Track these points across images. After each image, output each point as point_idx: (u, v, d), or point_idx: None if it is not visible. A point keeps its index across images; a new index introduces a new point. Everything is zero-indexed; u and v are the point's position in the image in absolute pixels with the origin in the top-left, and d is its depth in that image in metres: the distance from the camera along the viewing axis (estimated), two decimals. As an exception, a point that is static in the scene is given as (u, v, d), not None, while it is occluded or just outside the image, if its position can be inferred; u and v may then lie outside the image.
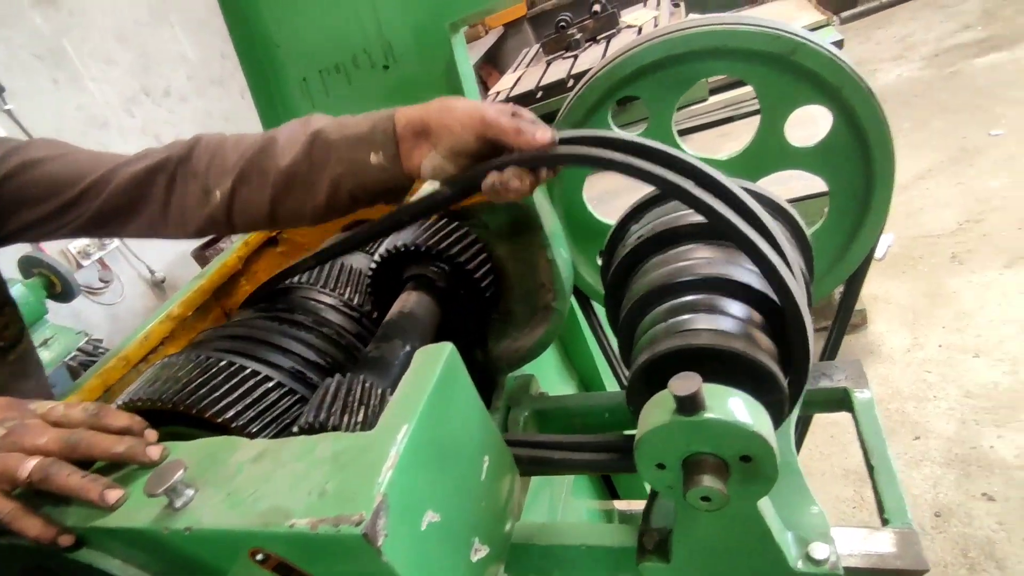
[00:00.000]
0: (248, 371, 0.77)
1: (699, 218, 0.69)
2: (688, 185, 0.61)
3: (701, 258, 0.66)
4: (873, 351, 2.45)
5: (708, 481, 0.51)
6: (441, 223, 0.94)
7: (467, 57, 1.18)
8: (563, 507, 1.37)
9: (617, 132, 0.68)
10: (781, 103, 0.84)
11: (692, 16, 3.36)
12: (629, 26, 3.26)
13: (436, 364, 0.55)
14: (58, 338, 2.82)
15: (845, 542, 0.64)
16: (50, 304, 2.78)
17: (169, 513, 0.50)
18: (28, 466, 0.54)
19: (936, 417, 2.09)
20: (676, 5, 3.78)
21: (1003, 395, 2.06)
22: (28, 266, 2.73)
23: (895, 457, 2.03)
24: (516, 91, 2.91)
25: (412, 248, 0.91)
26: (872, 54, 4.96)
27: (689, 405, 0.51)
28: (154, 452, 0.57)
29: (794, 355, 0.62)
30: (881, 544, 0.63)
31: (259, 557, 0.48)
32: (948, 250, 2.75)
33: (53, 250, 3.27)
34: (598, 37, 3.27)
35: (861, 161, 0.84)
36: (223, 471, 0.53)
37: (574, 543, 0.70)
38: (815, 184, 1.06)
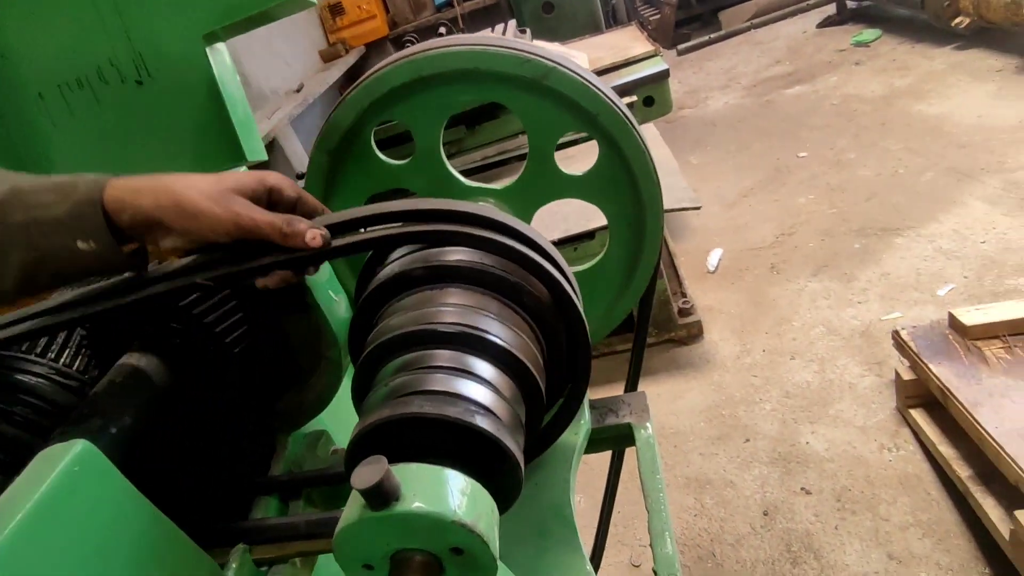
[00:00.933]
0: None
1: (442, 260, 0.62)
2: (468, 229, 0.60)
3: (439, 306, 0.58)
4: (709, 360, 2.60)
5: (407, 587, 0.42)
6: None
7: (233, 73, 1.03)
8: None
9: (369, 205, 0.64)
10: (546, 130, 0.80)
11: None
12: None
13: (42, 477, 0.41)
14: None
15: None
16: None
17: None
18: None
19: (762, 419, 2.24)
20: (522, 31, 3.87)
21: (814, 393, 2.26)
22: None
23: (730, 460, 2.15)
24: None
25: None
26: (704, 83, 5.45)
27: (377, 498, 0.42)
28: None
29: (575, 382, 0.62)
30: (643, 605, 0.58)
31: None
32: (768, 261, 3.02)
33: None
34: (443, 59, 3.24)
35: (629, 187, 0.82)
36: None
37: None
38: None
